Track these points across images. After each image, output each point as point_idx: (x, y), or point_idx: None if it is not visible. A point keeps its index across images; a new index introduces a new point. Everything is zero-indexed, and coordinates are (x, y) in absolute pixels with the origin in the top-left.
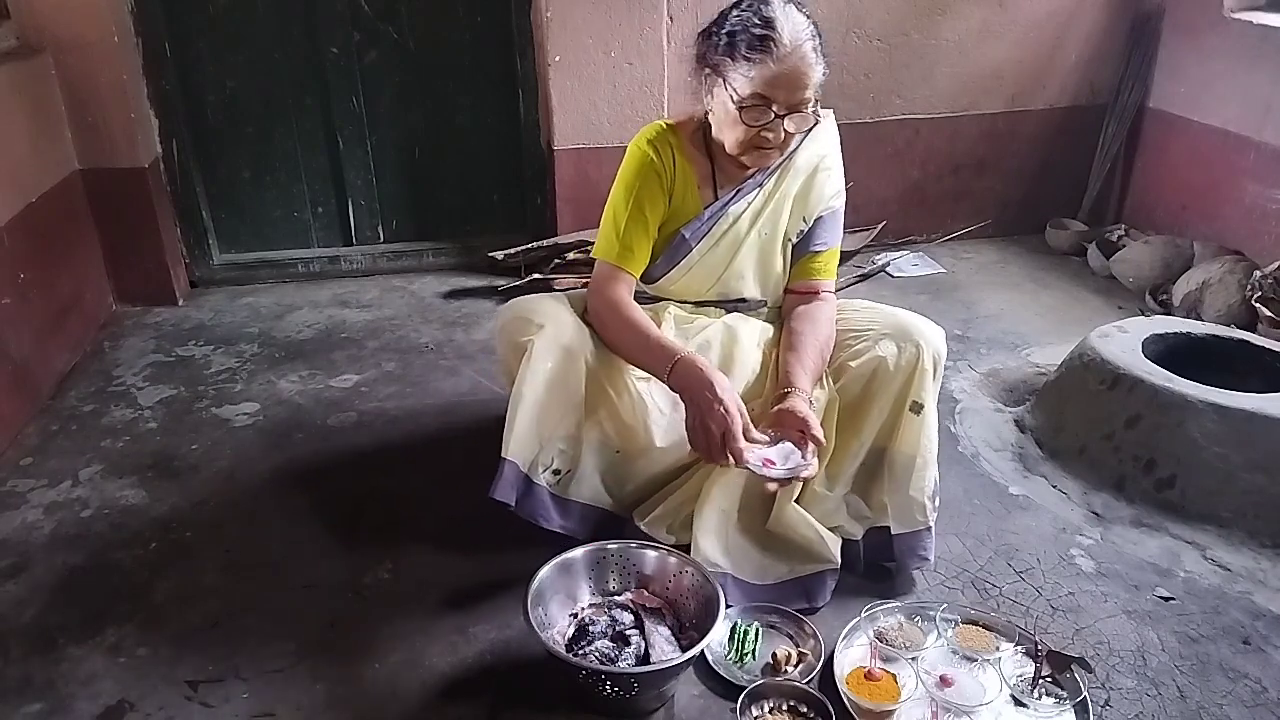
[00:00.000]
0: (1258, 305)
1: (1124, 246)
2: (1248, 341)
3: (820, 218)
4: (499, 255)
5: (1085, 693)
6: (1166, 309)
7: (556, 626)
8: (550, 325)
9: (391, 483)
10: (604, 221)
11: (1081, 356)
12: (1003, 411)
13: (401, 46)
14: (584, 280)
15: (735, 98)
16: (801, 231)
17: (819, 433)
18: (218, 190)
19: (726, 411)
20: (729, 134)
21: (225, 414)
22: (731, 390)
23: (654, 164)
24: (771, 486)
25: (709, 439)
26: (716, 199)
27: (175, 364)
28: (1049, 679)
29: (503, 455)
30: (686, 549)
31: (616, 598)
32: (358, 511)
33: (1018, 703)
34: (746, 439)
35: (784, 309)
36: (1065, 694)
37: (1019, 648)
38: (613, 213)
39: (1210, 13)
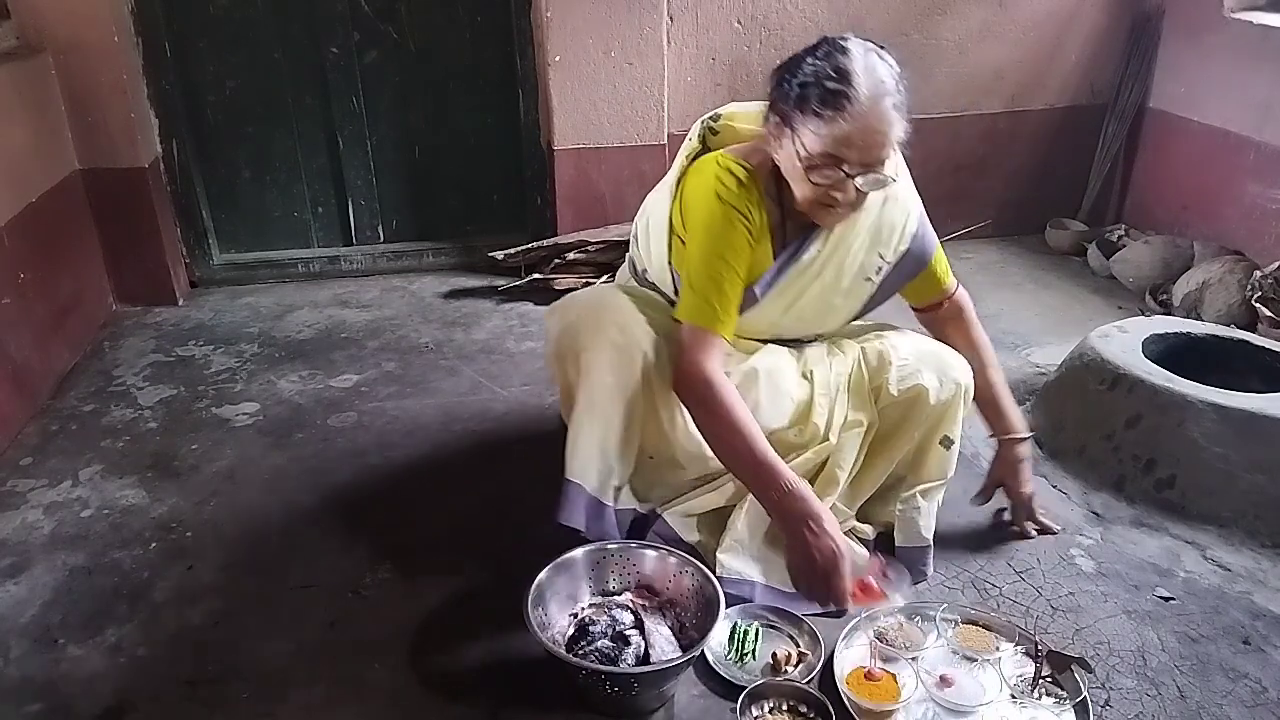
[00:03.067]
0: (1258, 305)
1: (1124, 246)
2: (1248, 341)
3: (908, 249)
4: (499, 255)
5: (1085, 693)
6: (1166, 309)
7: (556, 626)
8: (608, 333)
9: (391, 483)
10: (692, 279)
11: (1081, 356)
12: None
13: (401, 46)
14: (584, 280)
15: (803, 154)
16: (880, 268)
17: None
18: (218, 190)
19: (835, 551)
20: (796, 188)
21: (225, 414)
22: (836, 525)
23: (743, 222)
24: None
25: (811, 579)
26: (784, 248)
27: (175, 364)
28: (1049, 679)
29: (566, 477)
30: (699, 548)
31: (616, 598)
32: (358, 511)
33: (1017, 702)
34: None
35: (926, 324)
36: (1065, 694)
37: (1019, 648)
38: (705, 271)
39: (1210, 13)
